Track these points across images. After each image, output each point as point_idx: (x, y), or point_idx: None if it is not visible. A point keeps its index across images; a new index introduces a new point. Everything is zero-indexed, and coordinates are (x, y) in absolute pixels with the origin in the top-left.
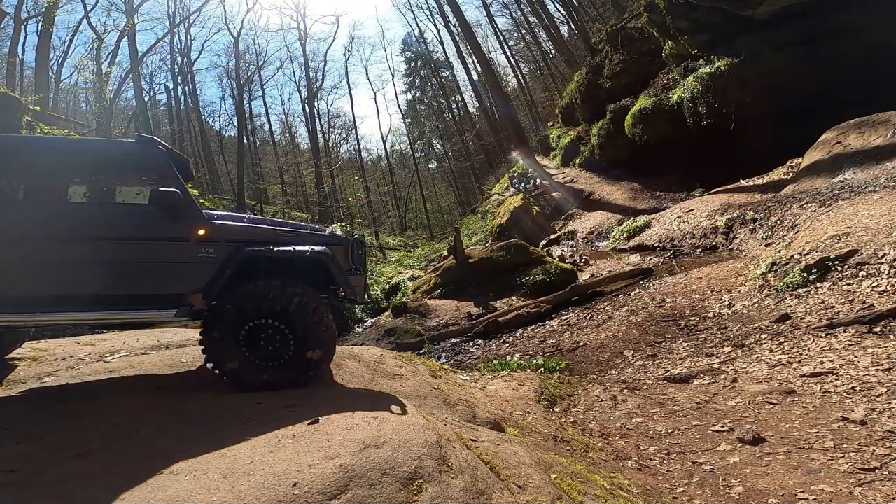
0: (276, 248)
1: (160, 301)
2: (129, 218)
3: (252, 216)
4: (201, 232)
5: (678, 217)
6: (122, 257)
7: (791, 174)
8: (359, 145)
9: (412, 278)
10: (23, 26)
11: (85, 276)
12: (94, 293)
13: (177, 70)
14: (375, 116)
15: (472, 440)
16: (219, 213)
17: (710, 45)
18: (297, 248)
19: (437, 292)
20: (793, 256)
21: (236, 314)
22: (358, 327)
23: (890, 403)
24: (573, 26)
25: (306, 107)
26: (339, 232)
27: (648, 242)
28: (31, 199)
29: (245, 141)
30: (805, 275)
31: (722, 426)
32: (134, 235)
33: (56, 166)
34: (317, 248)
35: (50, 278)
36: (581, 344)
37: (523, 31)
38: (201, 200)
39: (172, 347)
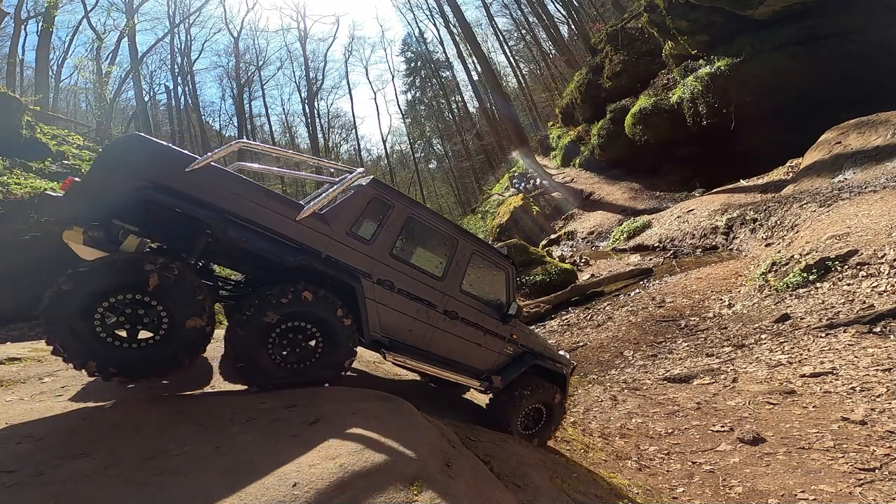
0: (550, 361)
1: (476, 373)
2: (486, 312)
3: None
4: (514, 336)
5: (678, 217)
6: (472, 338)
7: (791, 174)
8: (359, 145)
9: None
10: (23, 26)
11: (449, 344)
12: (449, 357)
13: (177, 70)
14: (375, 116)
15: (472, 440)
16: None
17: (710, 45)
18: (560, 364)
19: None
20: (793, 256)
21: (531, 398)
22: None
23: (890, 403)
24: (573, 26)
25: (306, 107)
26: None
27: (648, 242)
28: (445, 279)
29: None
30: (805, 275)
31: (722, 426)
32: (484, 326)
33: (466, 258)
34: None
35: (434, 338)
36: (581, 344)
37: (523, 31)
38: None
39: None
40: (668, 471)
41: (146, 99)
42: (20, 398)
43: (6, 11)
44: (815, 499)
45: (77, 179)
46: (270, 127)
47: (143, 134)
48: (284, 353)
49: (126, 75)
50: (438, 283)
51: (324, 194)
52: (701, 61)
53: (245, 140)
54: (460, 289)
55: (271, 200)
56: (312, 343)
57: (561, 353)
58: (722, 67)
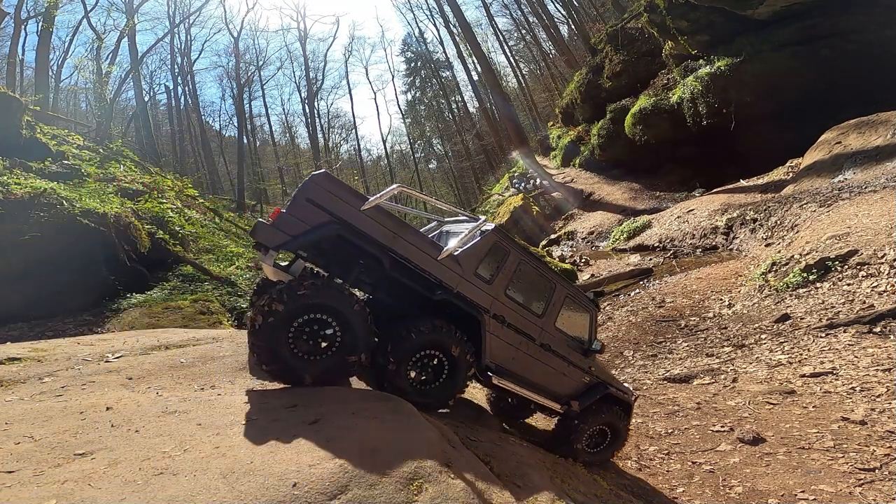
0: (619, 391)
1: (557, 397)
2: (571, 346)
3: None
4: (591, 368)
5: (678, 217)
6: (560, 368)
7: (791, 174)
8: (359, 145)
9: None
10: (23, 26)
11: (541, 372)
12: (539, 383)
13: (177, 70)
14: (375, 116)
15: (472, 440)
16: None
17: (710, 45)
18: (626, 394)
19: None
20: (793, 256)
21: (599, 420)
22: None
23: (890, 403)
24: (573, 26)
25: (306, 107)
26: None
27: (648, 242)
28: (543, 317)
29: (245, 141)
30: (805, 275)
31: (722, 426)
32: (569, 358)
33: (561, 300)
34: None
35: (530, 366)
36: None
37: (523, 31)
38: (200, 200)
39: (173, 348)
40: (668, 471)
41: (146, 99)
42: (20, 398)
43: (6, 11)
44: (815, 499)
45: (283, 211)
46: (270, 127)
47: (329, 173)
48: (419, 374)
49: (126, 75)
50: (538, 319)
51: (457, 239)
52: (701, 61)
53: (403, 185)
54: (554, 325)
55: (419, 240)
56: (439, 369)
57: (625, 385)
58: (722, 67)
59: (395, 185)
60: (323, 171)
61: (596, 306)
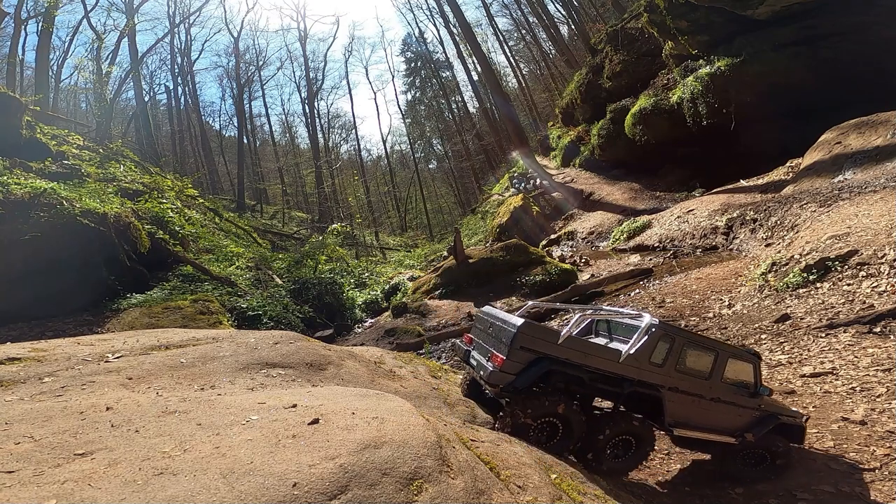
0: (789, 418)
1: (733, 432)
2: (736, 391)
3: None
4: (762, 406)
5: (678, 217)
6: (730, 412)
7: (791, 174)
8: (359, 145)
9: (412, 278)
10: (23, 26)
11: (714, 417)
12: (713, 426)
13: (177, 70)
14: (375, 117)
15: (472, 440)
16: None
17: (711, 45)
18: (797, 419)
19: (437, 292)
20: (793, 257)
21: (765, 451)
22: (358, 327)
23: (890, 403)
24: (573, 26)
25: (306, 107)
26: None
27: (648, 242)
28: (710, 378)
29: (245, 141)
30: (805, 275)
31: None
32: (737, 402)
33: (724, 360)
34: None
35: (704, 415)
36: None
37: (523, 32)
38: (200, 200)
39: (173, 348)
40: (667, 471)
41: (146, 99)
42: (20, 398)
43: (6, 11)
44: (815, 499)
45: (505, 358)
46: (270, 127)
47: (530, 322)
48: (614, 452)
49: (126, 75)
50: (706, 381)
51: (631, 342)
52: (701, 61)
53: (581, 311)
54: (721, 381)
55: (603, 351)
56: (629, 447)
57: (794, 409)
58: (722, 67)
59: (577, 315)
60: (524, 321)
61: (758, 357)
